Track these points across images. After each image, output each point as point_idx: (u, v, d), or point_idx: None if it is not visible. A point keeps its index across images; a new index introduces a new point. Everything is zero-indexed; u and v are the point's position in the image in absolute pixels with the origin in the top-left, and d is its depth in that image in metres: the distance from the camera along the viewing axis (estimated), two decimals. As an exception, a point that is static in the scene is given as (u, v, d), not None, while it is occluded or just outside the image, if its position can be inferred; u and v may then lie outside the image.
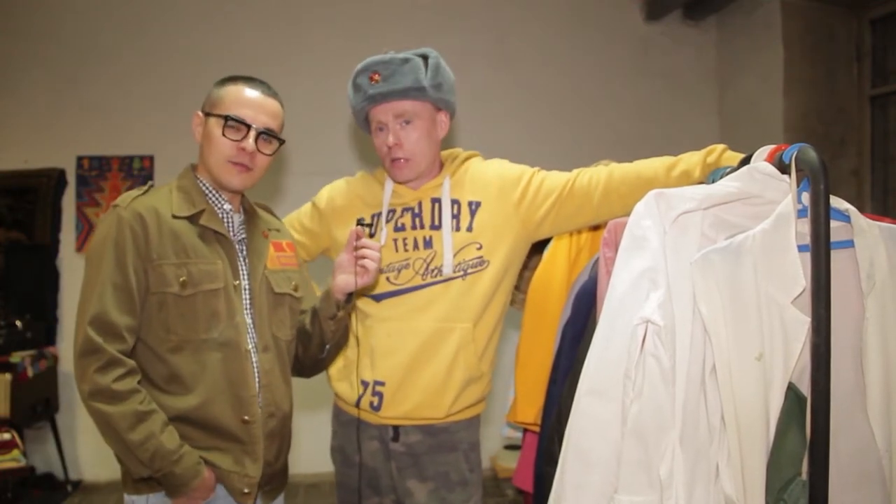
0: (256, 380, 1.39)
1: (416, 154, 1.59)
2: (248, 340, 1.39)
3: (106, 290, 1.30)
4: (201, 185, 1.44)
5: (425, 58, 1.58)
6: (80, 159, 3.73)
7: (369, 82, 1.57)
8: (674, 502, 1.03)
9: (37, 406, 3.35)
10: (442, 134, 1.64)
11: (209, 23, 3.74)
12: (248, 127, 1.39)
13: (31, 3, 3.71)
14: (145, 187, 1.43)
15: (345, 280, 1.46)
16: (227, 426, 1.34)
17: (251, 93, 1.41)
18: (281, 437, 1.45)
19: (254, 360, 1.39)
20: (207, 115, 1.41)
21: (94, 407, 1.27)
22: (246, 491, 1.36)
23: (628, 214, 1.11)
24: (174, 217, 1.37)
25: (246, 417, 1.35)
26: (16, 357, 3.25)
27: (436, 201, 1.63)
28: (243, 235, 1.47)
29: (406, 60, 1.56)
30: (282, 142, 1.45)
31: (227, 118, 1.38)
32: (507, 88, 3.78)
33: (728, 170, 1.26)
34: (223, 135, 1.38)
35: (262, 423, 1.39)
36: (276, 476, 1.47)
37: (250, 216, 1.50)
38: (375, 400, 1.60)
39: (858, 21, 3.46)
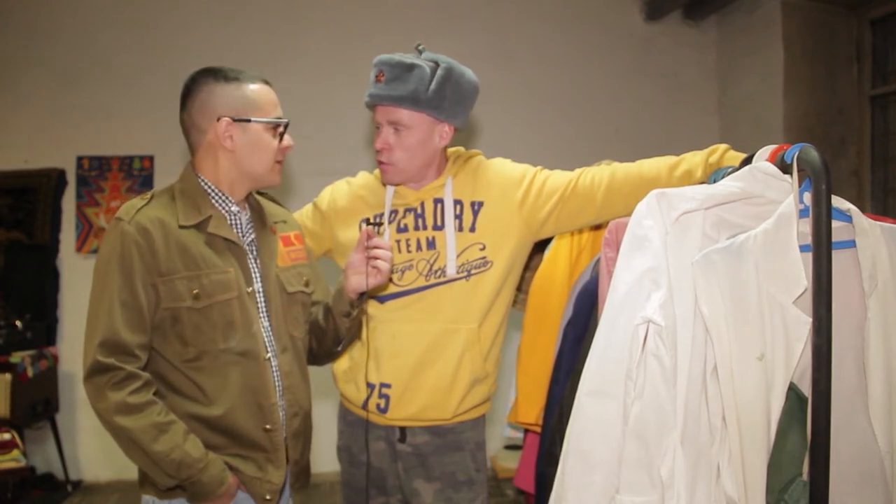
0: (278, 385, 1.39)
1: (401, 162, 1.58)
2: (267, 348, 1.38)
3: (114, 310, 1.27)
4: (206, 186, 1.40)
5: (437, 66, 1.54)
6: (80, 159, 3.73)
7: (374, 80, 1.56)
8: (675, 502, 1.03)
9: (37, 406, 3.34)
10: (441, 144, 1.61)
11: (209, 23, 3.73)
12: (287, 125, 1.41)
13: (31, 3, 3.71)
14: (148, 196, 1.37)
15: (357, 280, 1.46)
16: (249, 435, 1.34)
17: (269, 90, 1.41)
18: (305, 434, 1.46)
19: (273, 365, 1.39)
20: (244, 121, 1.35)
21: (115, 423, 1.25)
22: (268, 497, 1.35)
23: (630, 214, 1.11)
24: (181, 227, 1.33)
25: (268, 426, 1.35)
26: (16, 357, 3.24)
27: (438, 202, 1.62)
28: (252, 235, 1.44)
29: (412, 67, 1.53)
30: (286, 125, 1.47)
31: (285, 125, 1.40)
32: (508, 88, 3.77)
33: (730, 170, 1.26)
34: (275, 138, 1.39)
35: (287, 423, 1.39)
36: (302, 472, 1.48)
37: (256, 211, 1.48)
38: (382, 402, 1.60)
39: (858, 21, 3.46)
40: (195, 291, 1.31)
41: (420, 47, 1.60)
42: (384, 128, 1.57)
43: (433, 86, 1.53)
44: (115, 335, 1.26)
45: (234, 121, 1.36)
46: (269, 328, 1.40)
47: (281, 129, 1.40)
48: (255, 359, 1.35)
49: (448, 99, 1.55)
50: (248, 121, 1.36)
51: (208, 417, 1.32)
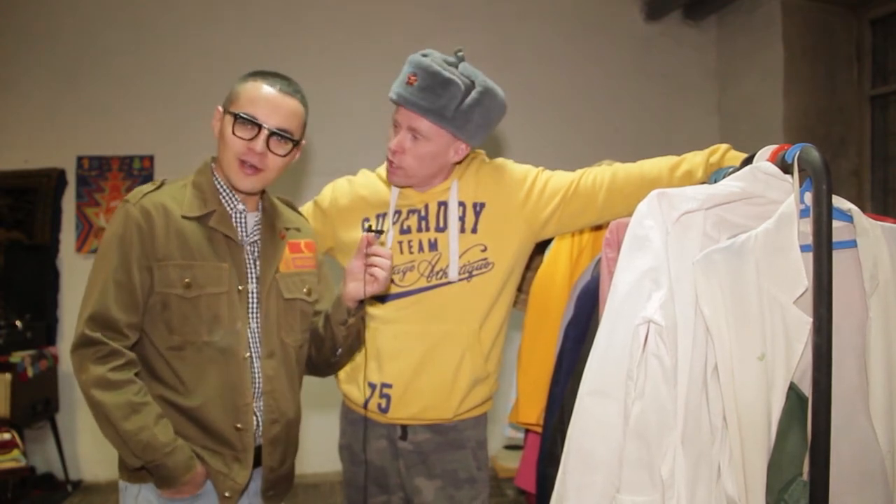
0: (257, 387, 1.39)
1: (412, 168, 1.57)
2: (248, 348, 1.38)
3: (108, 288, 1.30)
4: (217, 183, 1.42)
5: (472, 86, 1.52)
6: (80, 159, 3.73)
7: (405, 80, 1.53)
8: (675, 502, 1.03)
9: (37, 406, 3.35)
10: (454, 160, 1.60)
11: (211, 22, 3.74)
12: (259, 126, 1.35)
13: (31, 2, 3.71)
14: (158, 182, 1.41)
15: (355, 287, 1.45)
16: (220, 430, 1.35)
17: (267, 90, 1.36)
18: (286, 442, 1.44)
19: (255, 367, 1.39)
20: (225, 111, 1.39)
21: (91, 395, 1.28)
22: (227, 495, 1.35)
23: (631, 214, 1.12)
24: (183, 217, 1.35)
25: (239, 425, 1.35)
26: (16, 357, 3.25)
27: (442, 204, 1.62)
28: (257, 237, 1.45)
29: (448, 83, 1.49)
30: (296, 143, 1.41)
31: (236, 116, 1.35)
32: (508, 89, 3.74)
33: (731, 170, 1.26)
34: (233, 133, 1.35)
35: (265, 428, 1.39)
36: (279, 481, 1.46)
37: (269, 215, 1.48)
38: (383, 402, 1.60)
39: (858, 21, 3.47)
40: (186, 280, 1.33)
41: (460, 54, 1.56)
42: (402, 131, 1.56)
43: (463, 107, 1.51)
44: (106, 311, 1.29)
45: (223, 110, 1.40)
46: (256, 330, 1.40)
47: (242, 125, 1.34)
48: (234, 357, 1.36)
49: (474, 122, 1.54)
50: (224, 111, 1.39)
51: (184, 407, 1.33)
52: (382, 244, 1.59)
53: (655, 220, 1.07)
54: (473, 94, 1.52)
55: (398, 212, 1.64)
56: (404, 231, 1.63)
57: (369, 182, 1.71)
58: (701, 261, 1.03)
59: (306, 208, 1.77)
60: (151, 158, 3.76)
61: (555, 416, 1.51)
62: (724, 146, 1.51)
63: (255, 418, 1.38)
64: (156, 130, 3.70)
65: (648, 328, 1.05)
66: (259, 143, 1.35)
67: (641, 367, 1.06)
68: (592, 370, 1.10)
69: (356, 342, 1.56)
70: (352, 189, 1.71)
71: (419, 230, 1.62)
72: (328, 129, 3.64)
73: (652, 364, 1.05)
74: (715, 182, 1.22)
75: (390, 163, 1.59)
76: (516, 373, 1.81)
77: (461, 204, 1.62)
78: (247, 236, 1.43)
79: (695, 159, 1.52)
